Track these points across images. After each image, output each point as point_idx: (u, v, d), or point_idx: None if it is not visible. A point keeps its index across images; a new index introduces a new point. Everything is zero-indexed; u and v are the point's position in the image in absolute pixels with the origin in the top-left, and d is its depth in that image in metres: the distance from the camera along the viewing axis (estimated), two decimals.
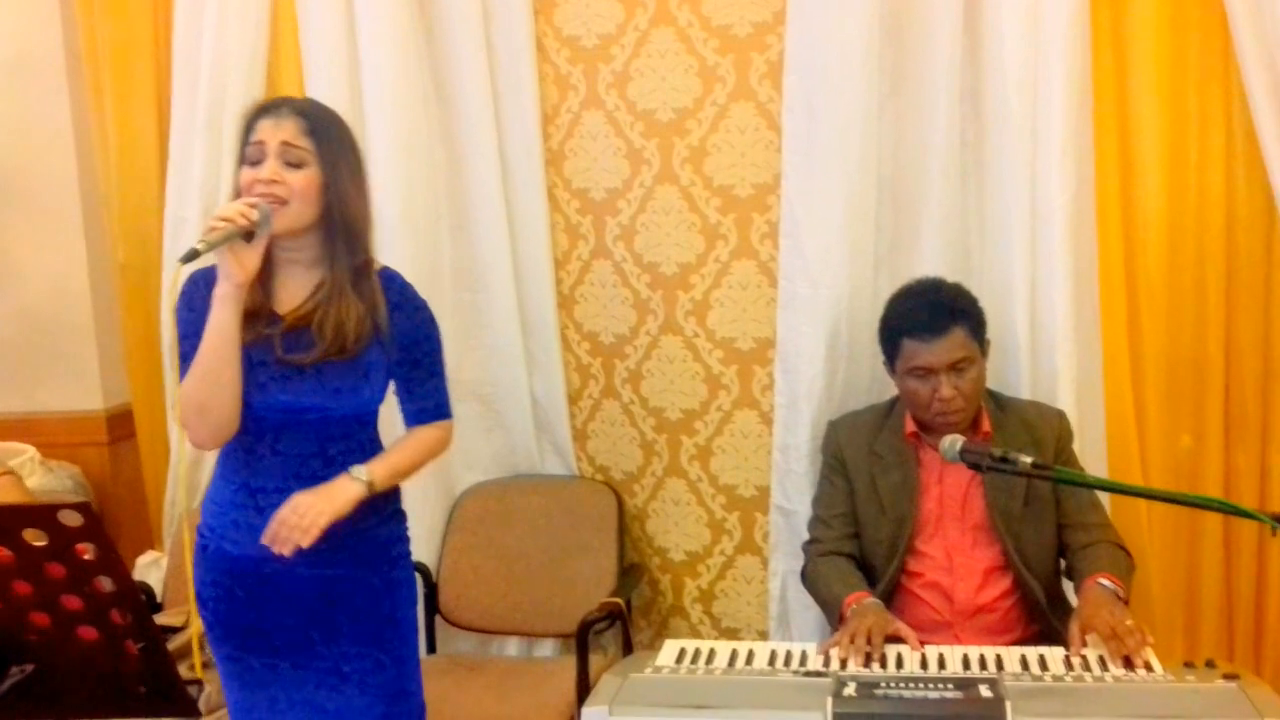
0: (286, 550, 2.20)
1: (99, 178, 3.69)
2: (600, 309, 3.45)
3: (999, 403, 2.81)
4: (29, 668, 2.24)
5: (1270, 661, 3.04)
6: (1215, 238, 2.95)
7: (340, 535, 2.33)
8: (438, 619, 3.47)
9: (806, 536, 2.90)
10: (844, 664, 2.33)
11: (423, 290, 2.46)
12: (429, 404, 2.45)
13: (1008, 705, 2.05)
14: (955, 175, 3.02)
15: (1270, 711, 2.02)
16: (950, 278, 2.81)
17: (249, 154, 2.28)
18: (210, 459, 3.30)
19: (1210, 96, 2.91)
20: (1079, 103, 2.86)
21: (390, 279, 2.40)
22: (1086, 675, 2.23)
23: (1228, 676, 2.17)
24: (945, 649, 2.40)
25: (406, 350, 2.38)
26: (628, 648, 3.24)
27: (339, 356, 2.29)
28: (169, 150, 3.48)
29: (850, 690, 2.13)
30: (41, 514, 2.03)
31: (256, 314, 2.30)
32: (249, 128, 2.29)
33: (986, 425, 2.72)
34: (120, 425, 3.78)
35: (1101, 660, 2.30)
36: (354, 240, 2.32)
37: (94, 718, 2.32)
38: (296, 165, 2.25)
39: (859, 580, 2.71)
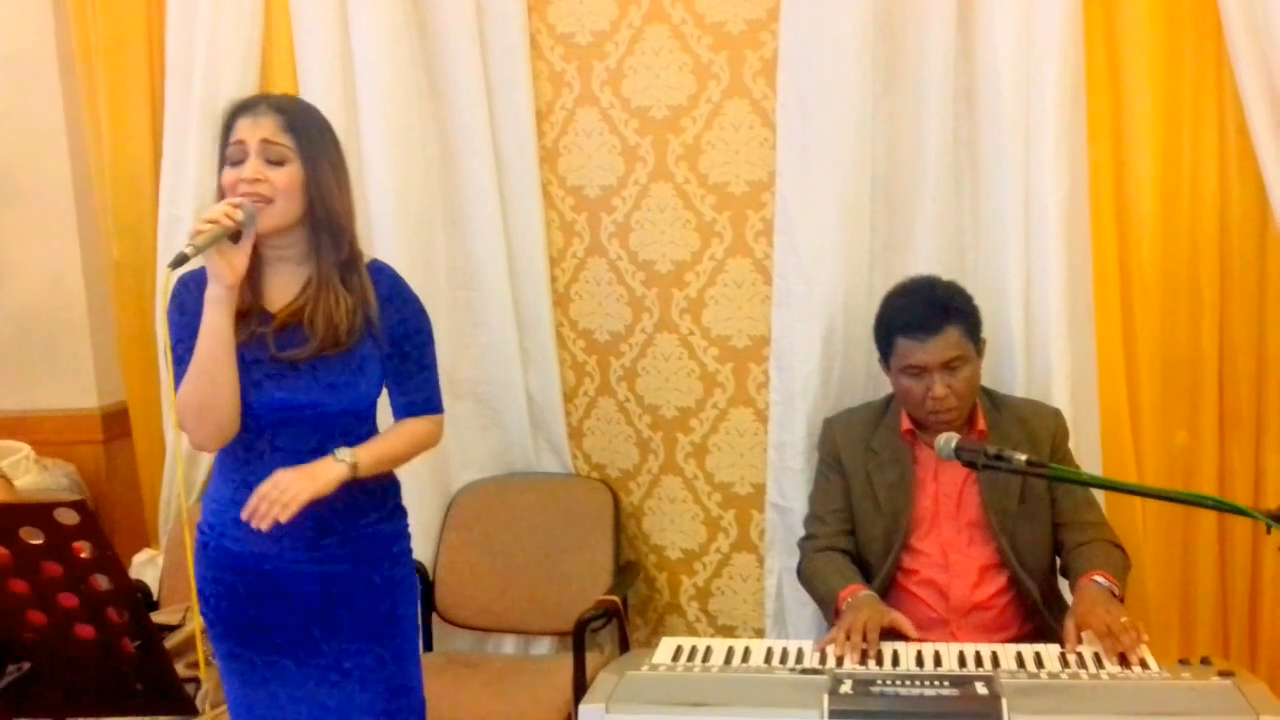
0: (265, 525, 2.19)
1: (93, 175, 3.67)
2: (595, 306, 3.45)
3: (994, 401, 2.82)
4: (26, 666, 2.25)
5: (1265, 658, 3.05)
6: (1209, 235, 2.95)
7: (341, 531, 2.33)
8: (434, 617, 3.47)
9: (802, 533, 2.91)
10: (840, 661, 2.33)
11: (417, 288, 2.45)
12: (419, 397, 2.44)
13: (1004, 703, 2.06)
14: (949, 173, 3.03)
15: (1265, 708, 2.03)
16: (945, 275, 2.81)
17: (230, 154, 2.28)
18: (205, 456, 3.32)
19: (1203, 94, 2.92)
20: (1072, 100, 2.87)
21: (379, 271, 2.40)
22: (1082, 673, 2.23)
23: (1223, 674, 2.18)
24: (941, 646, 2.41)
25: (396, 343, 2.38)
26: (624, 645, 3.24)
27: (333, 351, 2.29)
28: (163, 147, 3.48)
29: (846, 688, 2.14)
30: (38, 512, 2.04)
31: (248, 313, 2.30)
32: (228, 128, 2.29)
33: (982, 423, 2.73)
34: (115, 423, 3.77)
35: (1097, 658, 2.30)
36: (339, 234, 2.32)
37: (91, 715, 2.32)
38: (278, 162, 2.25)
39: (854, 574, 2.71)
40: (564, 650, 3.38)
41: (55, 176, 3.68)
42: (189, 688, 2.61)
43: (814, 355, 3.07)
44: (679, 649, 2.41)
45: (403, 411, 2.45)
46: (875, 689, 2.14)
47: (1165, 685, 2.16)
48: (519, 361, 3.48)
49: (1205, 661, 2.25)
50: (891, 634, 2.45)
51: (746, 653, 2.38)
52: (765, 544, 3.26)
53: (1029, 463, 2.20)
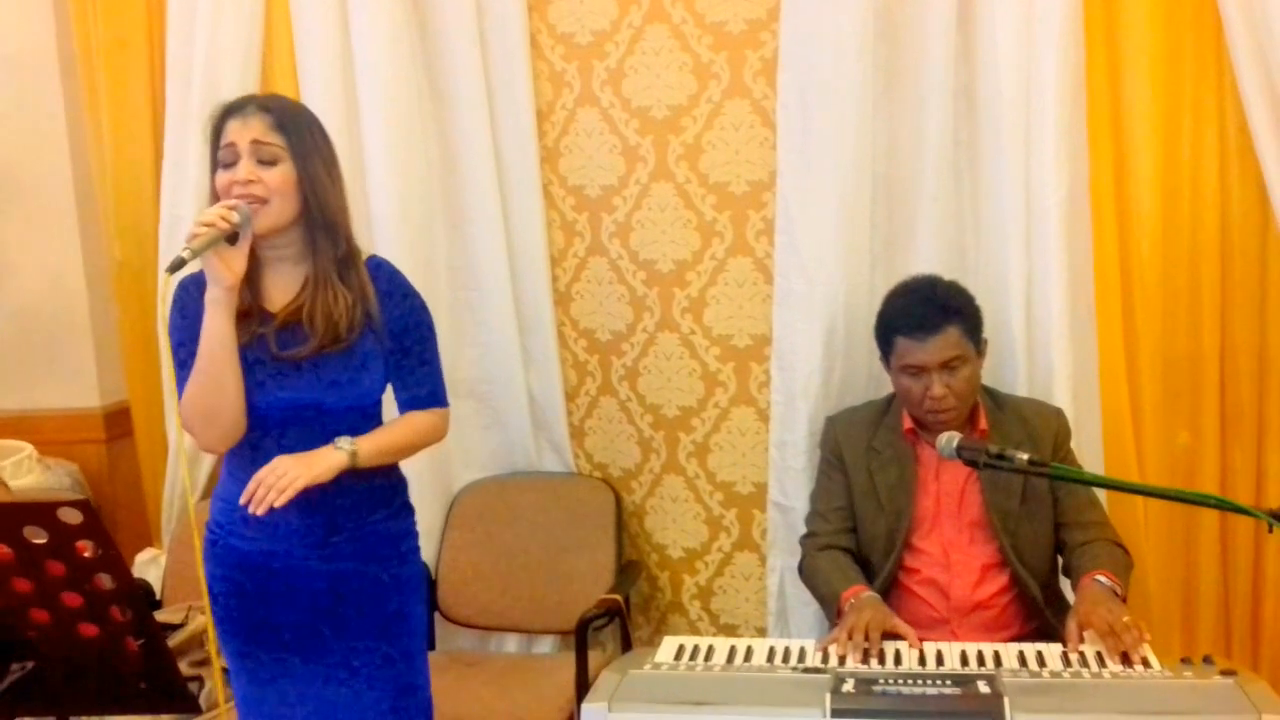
0: (261, 510, 2.19)
1: (94, 175, 3.68)
2: (596, 306, 3.45)
3: (996, 400, 2.82)
4: (30, 665, 2.25)
5: (1267, 658, 3.05)
6: (1210, 234, 2.95)
7: (350, 529, 2.34)
8: (436, 616, 3.47)
9: (804, 531, 2.91)
10: (842, 660, 2.33)
11: (418, 287, 2.45)
12: (421, 392, 2.44)
13: (1006, 701, 2.06)
14: (949, 172, 3.03)
15: (1267, 707, 2.03)
16: (946, 275, 2.81)
17: (222, 157, 2.28)
18: (207, 455, 3.32)
19: (1204, 93, 2.92)
20: (1073, 100, 2.87)
21: (378, 267, 2.41)
22: (1084, 671, 2.23)
23: (1225, 673, 2.18)
24: (943, 645, 2.41)
25: (397, 338, 2.38)
26: (626, 644, 3.24)
27: (334, 348, 2.30)
28: (164, 147, 3.48)
29: (849, 686, 2.14)
30: (41, 512, 2.04)
31: (248, 314, 2.30)
32: (217, 131, 2.29)
33: (983, 422, 2.73)
34: (117, 422, 3.77)
35: (1099, 656, 2.30)
36: (335, 230, 2.32)
37: (95, 714, 2.33)
38: (270, 163, 2.25)
39: (856, 574, 2.71)
40: (566, 649, 3.39)
41: (56, 177, 3.68)
42: (192, 686, 2.62)
43: (815, 354, 3.07)
44: (681, 648, 2.41)
45: (407, 406, 2.45)
46: (877, 688, 2.14)
47: (1167, 684, 2.16)
48: (520, 361, 3.48)
49: (1207, 660, 2.25)
50: (893, 638, 2.44)
51: (749, 652, 2.38)
52: (767, 543, 3.26)
53: (1031, 462, 2.20)
